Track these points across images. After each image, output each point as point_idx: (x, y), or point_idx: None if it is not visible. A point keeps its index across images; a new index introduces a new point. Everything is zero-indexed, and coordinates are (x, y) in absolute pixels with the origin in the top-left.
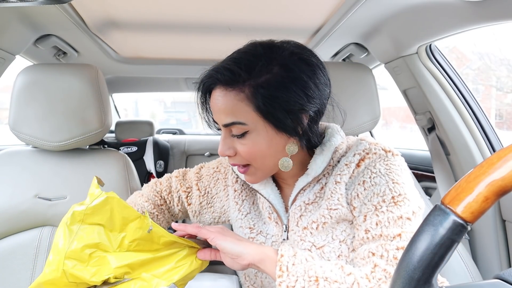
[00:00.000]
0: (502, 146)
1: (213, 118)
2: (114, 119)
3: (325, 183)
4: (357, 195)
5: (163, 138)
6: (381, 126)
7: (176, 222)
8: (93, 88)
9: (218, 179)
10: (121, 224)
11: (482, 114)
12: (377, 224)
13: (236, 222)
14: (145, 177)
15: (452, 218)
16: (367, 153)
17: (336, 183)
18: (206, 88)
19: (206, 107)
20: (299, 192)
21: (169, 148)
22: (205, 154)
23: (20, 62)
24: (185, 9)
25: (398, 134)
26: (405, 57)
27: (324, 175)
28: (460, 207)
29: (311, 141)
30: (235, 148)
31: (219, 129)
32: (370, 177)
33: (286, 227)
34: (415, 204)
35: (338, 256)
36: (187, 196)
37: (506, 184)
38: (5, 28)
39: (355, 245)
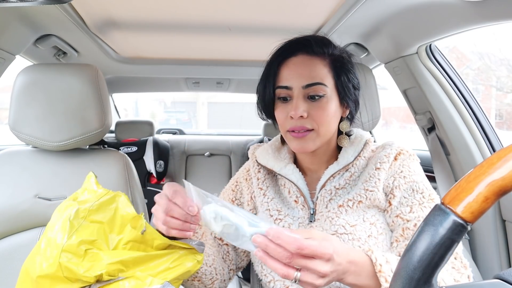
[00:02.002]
0: (502, 146)
1: (273, 88)
2: (114, 119)
3: (354, 172)
4: (399, 186)
5: (163, 138)
6: (381, 126)
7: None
8: (93, 88)
9: (242, 188)
10: (120, 225)
11: (482, 114)
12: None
13: (262, 206)
14: (145, 177)
15: (452, 218)
16: (401, 150)
17: (376, 169)
18: (288, 53)
19: (271, 73)
20: (328, 179)
21: (169, 148)
22: (205, 154)
23: (20, 62)
24: (185, 9)
25: (398, 134)
26: (405, 57)
27: (352, 165)
28: (460, 207)
29: (348, 127)
30: (308, 111)
31: (284, 98)
32: (409, 174)
33: (312, 210)
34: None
35: (368, 236)
36: None
37: (506, 184)
38: (5, 28)
39: (399, 234)
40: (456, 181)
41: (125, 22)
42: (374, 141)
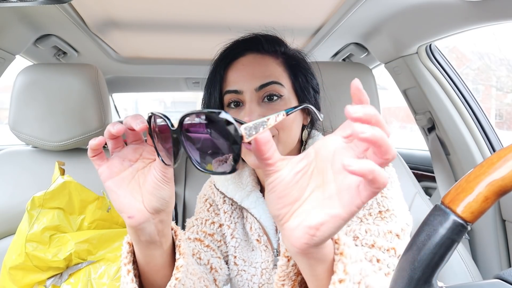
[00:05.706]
0: (502, 146)
1: (220, 94)
2: (114, 119)
3: None
4: None
5: None
6: None
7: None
8: (93, 88)
9: (210, 205)
10: (80, 207)
11: (482, 114)
12: (366, 232)
13: (229, 249)
14: None
15: (452, 218)
16: None
17: None
18: (234, 54)
19: (217, 78)
20: None
21: None
22: None
23: (20, 62)
24: (185, 9)
25: (398, 134)
26: (405, 57)
27: None
28: (460, 207)
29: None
30: (264, 116)
31: (236, 104)
32: None
33: (276, 252)
34: (402, 221)
35: None
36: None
37: (506, 184)
38: (5, 28)
39: None
40: (456, 181)
41: (125, 22)
42: None
